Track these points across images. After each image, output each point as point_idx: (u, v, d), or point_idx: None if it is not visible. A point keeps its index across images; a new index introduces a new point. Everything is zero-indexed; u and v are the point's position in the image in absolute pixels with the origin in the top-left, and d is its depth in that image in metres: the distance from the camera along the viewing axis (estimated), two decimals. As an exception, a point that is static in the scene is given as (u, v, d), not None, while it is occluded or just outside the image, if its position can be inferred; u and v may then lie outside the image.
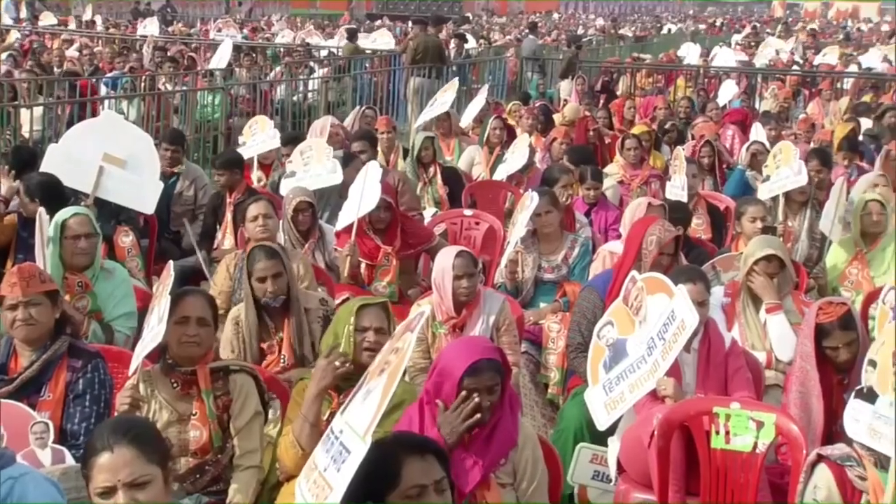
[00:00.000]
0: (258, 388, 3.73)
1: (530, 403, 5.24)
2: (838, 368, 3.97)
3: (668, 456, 3.67)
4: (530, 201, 5.69)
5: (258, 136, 8.09)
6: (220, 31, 19.99)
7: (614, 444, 4.15)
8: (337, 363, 3.53)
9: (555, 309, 5.65)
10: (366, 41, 18.32)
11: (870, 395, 3.15)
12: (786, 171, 6.84)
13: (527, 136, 9.13)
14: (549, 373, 5.37)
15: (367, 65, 16.10)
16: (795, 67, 19.43)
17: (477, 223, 6.95)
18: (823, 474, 3.21)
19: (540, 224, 5.85)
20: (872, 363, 3.22)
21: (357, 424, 2.57)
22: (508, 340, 4.75)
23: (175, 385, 3.65)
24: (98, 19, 23.57)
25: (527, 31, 22.84)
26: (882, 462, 3.09)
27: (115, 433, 2.55)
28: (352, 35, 17.08)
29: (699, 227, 7.14)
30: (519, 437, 3.32)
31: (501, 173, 8.29)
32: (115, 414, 3.57)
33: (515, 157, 8.23)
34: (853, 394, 3.24)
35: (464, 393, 3.21)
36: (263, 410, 3.75)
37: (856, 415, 3.15)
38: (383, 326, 3.73)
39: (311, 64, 15.80)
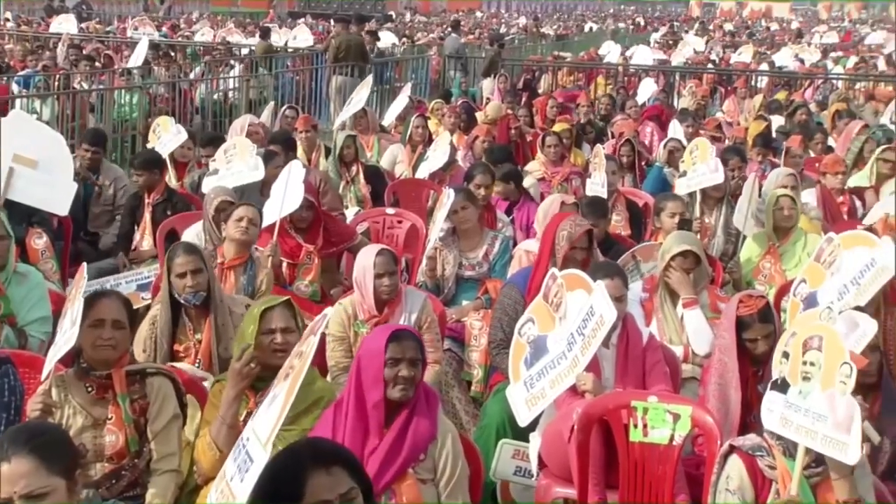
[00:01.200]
0: (176, 391, 3.67)
1: (453, 401, 5.24)
2: (755, 360, 4.05)
3: (587, 450, 3.71)
4: (447, 198, 5.72)
5: (164, 137, 7.99)
6: (136, 29, 19.62)
7: (535, 440, 4.18)
8: (252, 365, 3.51)
9: (477, 306, 5.68)
10: (284, 39, 18.18)
11: (783, 386, 3.23)
12: (702, 168, 6.96)
13: (448, 134, 9.16)
14: (472, 370, 5.39)
15: (289, 63, 15.97)
16: (711, 66, 19.79)
17: (399, 221, 6.94)
18: (735, 464, 3.27)
19: (457, 221, 5.87)
20: (786, 354, 3.29)
21: (261, 432, 2.54)
22: (430, 338, 4.75)
23: (90, 389, 3.56)
24: (9, 15, 22.98)
25: (449, 29, 22.87)
26: (790, 451, 3.16)
27: (16, 443, 2.48)
28: (265, 33, 16.90)
29: (618, 223, 7.22)
30: (438, 432, 3.34)
31: (424, 171, 8.30)
32: (26, 420, 3.48)
33: (437, 156, 8.24)
34: (769, 385, 3.32)
35: None
36: (182, 414, 3.70)
37: (770, 405, 3.23)
38: (290, 325, 3.71)
39: (232, 62, 15.62)
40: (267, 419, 2.57)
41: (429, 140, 9.00)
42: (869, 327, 3.71)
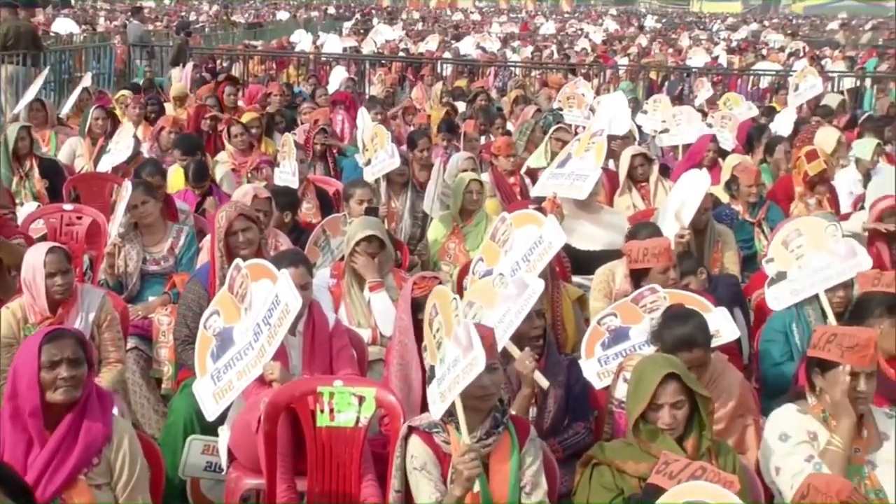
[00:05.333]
0: None
1: (141, 400, 5.08)
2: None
3: (275, 439, 3.71)
4: (126, 192, 5.53)
5: None
6: None
7: (225, 433, 4.13)
8: None
9: (164, 301, 5.52)
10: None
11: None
12: (382, 155, 7.14)
13: (131, 125, 8.83)
14: (162, 367, 5.25)
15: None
16: (401, 54, 20.30)
17: (79, 217, 6.58)
18: (415, 443, 3.39)
19: (138, 216, 5.71)
20: None
21: None
22: (111, 337, 4.58)
23: None
24: None
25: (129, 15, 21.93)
26: (457, 425, 3.32)
27: None
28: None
29: (309, 211, 7.26)
30: (113, 433, 3.22)
31: (106, 165, 7.94)
32: None
33: (120, 149, 7.91)
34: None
35: None
36: None
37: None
38: None
39: None
40: None
41: (111, 132, 8.61)
42: (537, 286, 4.06)
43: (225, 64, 17.11)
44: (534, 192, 7.09)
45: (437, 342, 3.40)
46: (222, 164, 8.30)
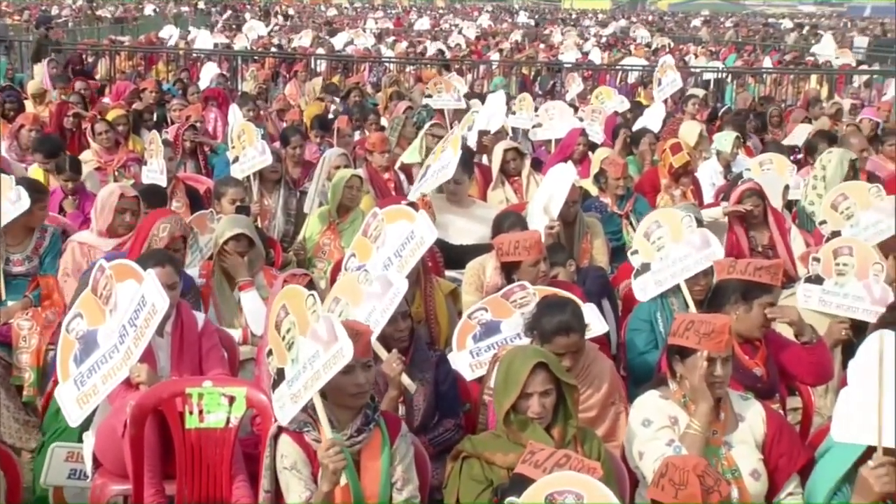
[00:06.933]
0: None
1: (1, 409, 4.90)
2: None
3: (142, 443, 3.63)
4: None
5: None
6: None
7: (89, 439, 4.02)
8: None
9: (25, 304, 5.36)
10: None
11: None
12: (251, 152, 7.06)
13: (-13, 123, 8.49)
14: (23, 373, 5.10)
15: None
16: (274, 50, 20.06)
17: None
18: (285, 442, 3.36)
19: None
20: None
21: None
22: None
23: None
24: None
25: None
26: (334, 422, 3.31)
27: None
28: None
29: (179, 209, 7.10)
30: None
31: (-40, 164, 7.60)
32: None
33: (-24, 147, 7.61)
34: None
35: None
36: None
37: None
38: None
39: None
40: None
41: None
42: (401, 285, 4.07)
43: (90, 60, 16.61)
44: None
45: (287, 343, 3.36)
46: (87, 163, 8.05)
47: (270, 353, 3.45)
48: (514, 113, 10.39)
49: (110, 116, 8.87)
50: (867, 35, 29.39)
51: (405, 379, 3.90)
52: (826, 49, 20.86)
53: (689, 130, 8.78)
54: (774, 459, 3.59)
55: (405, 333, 4.13)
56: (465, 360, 4.52)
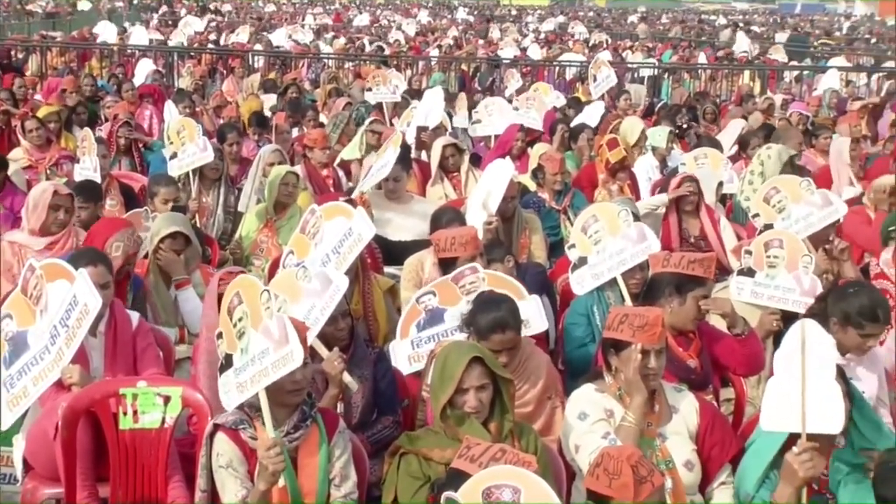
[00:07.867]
0: None
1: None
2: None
3: (74, 446, 3.58)
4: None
5: None
6: None
7: (19, 443, 3.95)
8: None
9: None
10: None
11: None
12: (192, 148, 6.98)
13: None
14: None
15: None
16: (211, 46, 19.84)
17: None
18: (221, 441, 3.34)
19: None
20: None
21: None
22: None
23: None
24: None
25: None
26: (277, 420, 3.29)
27: None
28: None
29: (113, 207, 7.00)
30: None
31: None
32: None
33: None
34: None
35: None
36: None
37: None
38: None
39: None
40: None
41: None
42: (341, 282, 4.06)
43: (21, 55, 16.28)
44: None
45: (238, 332, 3.34)
46: (17, 161, 7.89)
47: (220, 336, 3.42)
48: (451, 115, 10.41)
49: (41, 113, 8.71)
50: (798, 32, 30.00)
51: (347, 378, 3.89)
52: (741, 46, 21.39)
53: (632, 127, 8.86)
54: (707, 449, 3.65)
55: (345, 332, 4.12)
56: (405, 352, 4.52)
